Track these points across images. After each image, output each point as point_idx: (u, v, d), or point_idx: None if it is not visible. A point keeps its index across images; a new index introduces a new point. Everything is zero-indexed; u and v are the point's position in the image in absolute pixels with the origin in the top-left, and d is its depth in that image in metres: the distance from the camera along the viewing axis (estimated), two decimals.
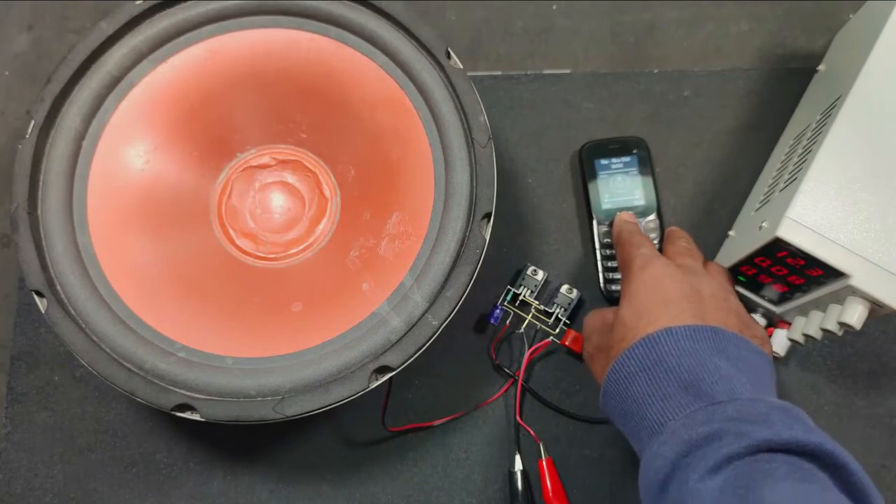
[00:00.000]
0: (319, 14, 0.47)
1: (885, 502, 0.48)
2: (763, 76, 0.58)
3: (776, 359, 0.50)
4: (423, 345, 0.41)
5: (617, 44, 0.59)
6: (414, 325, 0.41)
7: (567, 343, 0.51)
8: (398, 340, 0.41)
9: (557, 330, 0.51)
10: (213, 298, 0.45)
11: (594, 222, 0.54)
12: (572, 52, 0.59)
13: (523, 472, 0.49)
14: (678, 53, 0.59)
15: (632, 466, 0.50)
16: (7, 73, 0.59)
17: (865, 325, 0.41)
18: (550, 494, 0.48)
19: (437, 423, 0.50)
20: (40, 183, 0.43)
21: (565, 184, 0.56)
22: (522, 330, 0.51)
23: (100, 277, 0.43)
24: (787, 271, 0.44)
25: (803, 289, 0.44)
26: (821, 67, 0.55)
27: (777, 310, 0.48)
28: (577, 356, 0.52)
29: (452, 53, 0.46)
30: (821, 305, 0.44)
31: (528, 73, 0.58)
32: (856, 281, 0.40)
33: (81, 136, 0.44)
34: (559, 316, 0.51)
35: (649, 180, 0.54)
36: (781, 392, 0.51)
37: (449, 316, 0.41)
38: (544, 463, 0.49)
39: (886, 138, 0.43)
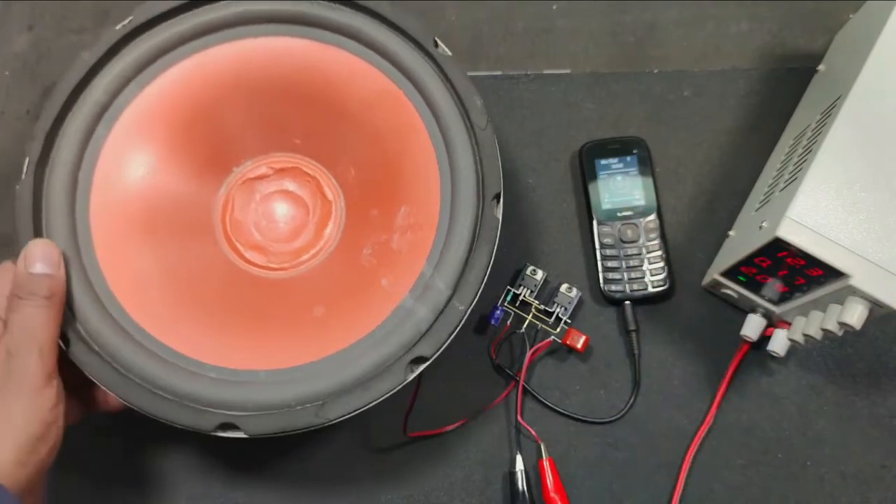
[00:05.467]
0: (304, 18, 0.46)
1: (886, 502, 0.48)
2: (763, 76, 0.57)
3: (776, 359, 0.50)
4: (454, 331, 0.41)
5: (617, 44, 0.59)
6: (441, 313, 0.41)
7: (568, 342, 0.50)
8: (428, 330, 0.41)
9: (558, 329, 0.51)
10: (234, 315, 0.45)
11: (594, 222, 0.54)
12: (572, 52, 0.59)
13: (524, 472, 0.49)
14: (678, 53, 0.59)
15: (632, 467, 0.50)
16: (7, 73, 0.59)
17: (865, 325, 0.41)
18: (551, 494, 0.48)
19: (449, 428, 0.50)
20: (43, 222, 0.43)
21: (565, 184, 0.56)
22: (523, 330, 0.51)
23: (117, 309, 0.42)
24: (787, 271, 0.44)
25: (803, 289, 0.44)
26: (821, 67, 0.55)
27: (777, 310, 0.48)
28: (579, 355, 0.52)
29: (440, 42, 0.46)
30: (821, 305, 0.44)
31: (528, 73, 0.58)
32: (856, 281, 0.40)
33: (77, 167, 0.44)
34: (559, 315, 0.51)
35: (649, 180, 0.54)
36: (781, 392, 0.51)
37: (474, 299, 0.42)
38: (545, 463, 0.49)
39: (886, 138, 0.43)
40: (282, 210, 0.50)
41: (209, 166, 0.48)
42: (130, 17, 0.45)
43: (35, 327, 0.38)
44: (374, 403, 0.40)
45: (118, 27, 0.45)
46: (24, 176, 0.43)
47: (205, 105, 0.47)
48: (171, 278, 0.45)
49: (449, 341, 0.41)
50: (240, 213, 0.49)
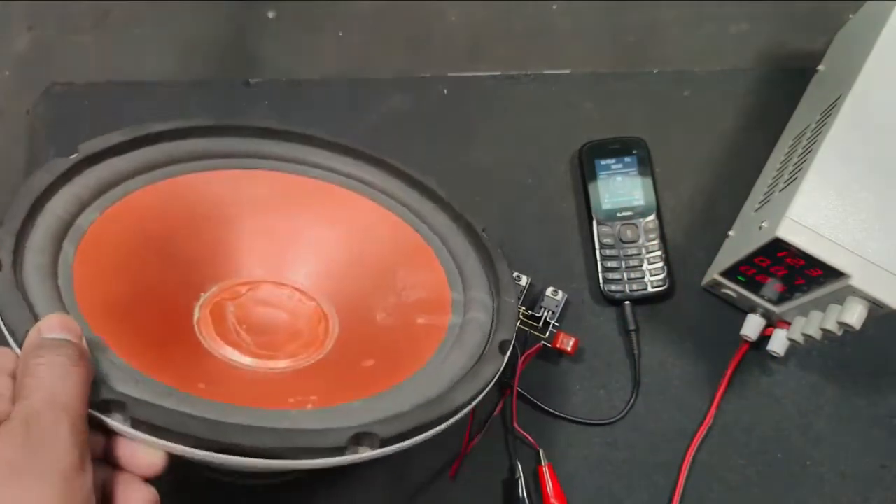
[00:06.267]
0: (245, 152, 0.48)
1: (886, 502, 0.48)
2: (763, 76, 0.57)
3: (776, 359, 0.50)
4: (517, 316, 0.43)
5: (617, 44, 0.59)
6: (495, 312, 0.43)
7: (558, 346, 0.50)
8: (493, 326, 0.42)
9: (547, 333, 0.51)
10: (282, 385, 0.41)
11: (594, 222, 0.54)
12: (572, 52, 0.59)
13: (523, 479, 0.49)
14: (678, 53, 0.59)
15: (632, 467, 0.50)
16: (7, 73, 0.59)
17: (865, 325, 0.41)
18: (551, 501, 0.48)
19: (472, 444, 0.49)
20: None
21: (565, 184, 0.56)
22: None
23: (165, 387, 0.34)
24: (787, 271, 0.44)
25: (803, 289, 0.44)
26: (821, 67, 0.55)
27: (777, 310, 0.48)
28: (570, 358, 0.51)
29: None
30: (820, 305, 0.44)
31: (528, 73, 0.58)
32: (855, 281, 0.40)
33: (54, 274, 0.37)
34: (547, 319, 0.51)
35: (649, 180, 0.54)
36: (781, 392, 0.51)
37: (516, 295, 0.44)
38: (545, 469, 0.48)
39: (886, 138, 0.43)
40: (266, 321, 0.45)
41: (175, 294, 0.44)
42: (76, 154, 0.42)
43: (62, 392, 0.28)
44: (490, 385, 0.39)
45: (71, 157, 0.42)
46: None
47: (163, 235, 0.44)
48: (199, 382, 0.38)
49: (518, 325, 0.44)
50: (220, 333, 0.43)
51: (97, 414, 0.30)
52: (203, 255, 0.46)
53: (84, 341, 0.31)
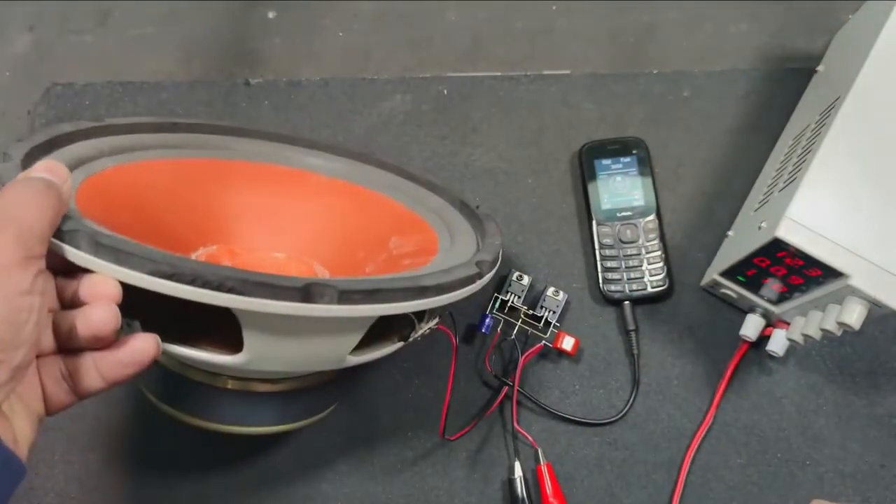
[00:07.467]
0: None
1: (885, 502, 0.48)
2: (763, 76, 0.58)
3: (775, 358, 0.50)
4: (499, 253, 0.44)
5: (617, 44, 0.59)
6: (479, 247, 0.44)
7: (559, 346, 0.50)
8: (475, 254, 0.42)
9: (548, 333, 0.51)
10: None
11: (594, 222, 0.54)
12: (572, 52, 0.59)
13: (523, 478, 0.49)
14: (678, 53, 0.59)
15: (632, 467, 0.50)
16: (8, 74, 0.59)
17: (864, 325, 0.41)
18: (550, 500, 0.48)
19: (463, 432, 0.49)
20: None
21: (565, 184, 0.56)
22: (514, 336, 0.51)
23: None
24: (787, 271, 0.44)
25: (802, 289, 0.44)
26: (820, 68, 0.55)
27: (776, 310, 0.48)
28: (571, 358, 0.52)
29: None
30: (820, 305, 0.44)
31: (528, 73, 0.58)
32: (855, 281, 0.40)
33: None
34: (548, 319, 0.51)
35: (649, 181, 0.54)
36: (781, 392, 0.51)
37: (501, 242, 0.45)
38: (543, 469, 0.49)
39: (885, 138, 0.44)
40: (259, 261, 0.48)
41: (173, 239, 0.45)
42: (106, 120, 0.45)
43: (17, 207, 0.29)
44: (463, 293, 0.38)
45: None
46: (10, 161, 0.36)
47: (167, 196, 0.46)
48: None
49: (501, 253, 0.44)
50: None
51: (60, 243, 0.30)
52: (207, 220, 0.48)
53: (68, 184, 0.32)
